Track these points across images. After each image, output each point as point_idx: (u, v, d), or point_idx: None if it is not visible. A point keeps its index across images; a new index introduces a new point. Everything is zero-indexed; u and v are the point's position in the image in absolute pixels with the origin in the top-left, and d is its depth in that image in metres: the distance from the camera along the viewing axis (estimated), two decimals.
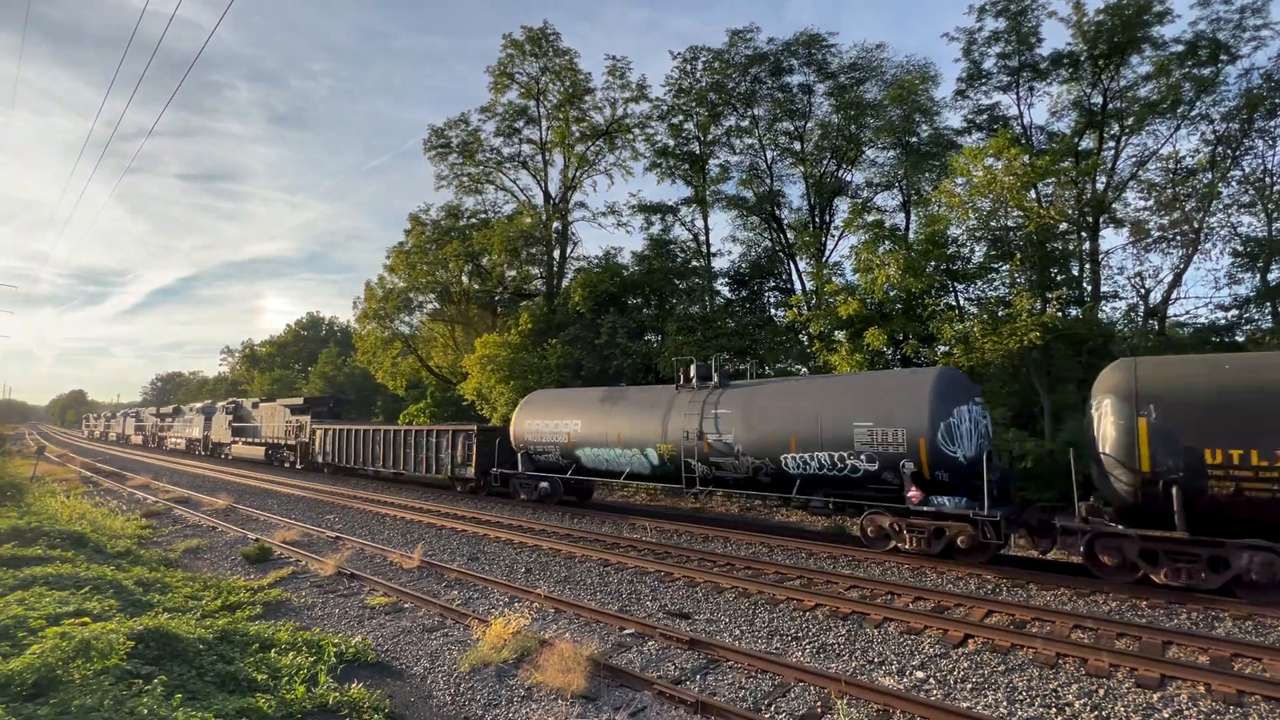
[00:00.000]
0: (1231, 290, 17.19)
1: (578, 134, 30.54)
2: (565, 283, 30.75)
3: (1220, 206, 17.19)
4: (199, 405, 45.18)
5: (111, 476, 27.96)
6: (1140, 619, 7.87)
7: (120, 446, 57.05)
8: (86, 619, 6.27)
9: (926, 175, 21.15)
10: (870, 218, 21.09)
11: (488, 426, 20.90)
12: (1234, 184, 17.21)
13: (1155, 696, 5.76)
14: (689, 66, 26.49)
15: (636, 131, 29.58)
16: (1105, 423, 9.00)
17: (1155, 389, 8.73)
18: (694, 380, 14.65)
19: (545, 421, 17.22)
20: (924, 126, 22.02)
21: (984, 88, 20.77)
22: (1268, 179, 16.86)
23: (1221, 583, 8.28)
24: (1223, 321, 17.11)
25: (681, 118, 27.57)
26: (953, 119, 22.54)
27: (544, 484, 17.42)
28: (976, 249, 18.95)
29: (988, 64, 20.29)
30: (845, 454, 11.37)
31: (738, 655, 6.69)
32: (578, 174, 31.27)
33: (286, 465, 31.50)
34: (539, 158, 31.60)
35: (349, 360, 48.43)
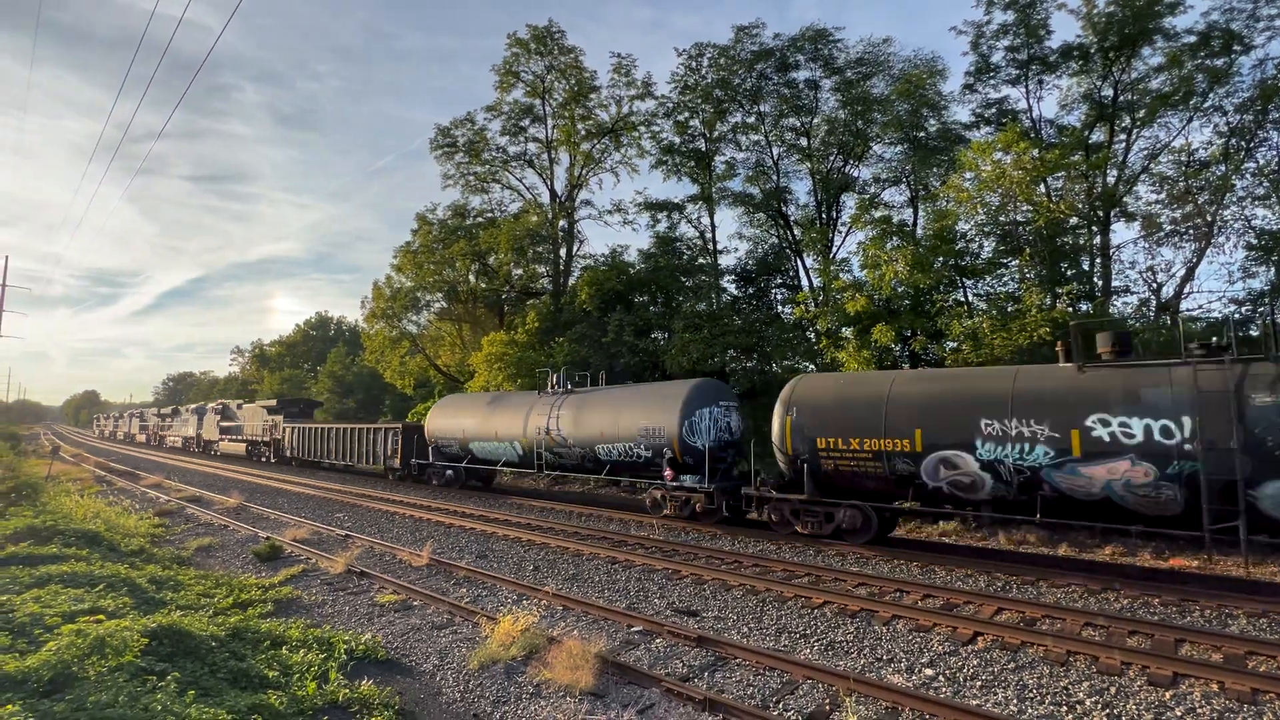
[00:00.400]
0: (1245, 284, 16.99)
1: (583, 132, 30.56)
2: (572, 281, 30.79)
3: (1234, 199, 16.97)
4: (193, 406, 48.66)
5: (125, 476, 28.27)
6: (1153, 616, 7.81)
7: (128, 445, 60.04)
8: (101, 616, 6.34)
9: (934, 170, 20.99)
10: (878, 213, 20.96)
11: (410, 424, 24.55)
12: (1248, 176, 16.98)
13: (1168, 694, 5.71)
14: (694, 63, 26.43)
15: (642, 129, 29.59)
16: (775, 421, 12.59)
17: (798, 396, 12.52)
18: (551, 388, 18.56)
19: (449, 421, 21.06)
20: (932, 121, 21.86)
21: (992, 81, 20.59)
22: None
23: (832, 529, 12.02)
24: (1237, 316, 16.90)
25: (687, 115, 27.50)
26: (961, 113, 22.48)
27: (449, 471, 21.32)
28: (985, 244, 18.82)
29: (996, 57, 20.13)
30: (632, 445, 15.29)
31: (746, 652, 6.69)
32: (583, 172, 31.29)
33: (263, 459, 34.54)
34: (545, 156, 31.66)
35: (357, 360, 48.71)
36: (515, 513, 16.51)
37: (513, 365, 24.91)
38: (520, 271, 31.96)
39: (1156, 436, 8.71)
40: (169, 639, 6.06)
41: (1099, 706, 5.55)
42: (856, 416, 11.44)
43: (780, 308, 26.26)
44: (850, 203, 24.55)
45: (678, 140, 28.05)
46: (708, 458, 13.88)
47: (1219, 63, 16.69)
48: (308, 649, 6.85)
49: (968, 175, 16.86)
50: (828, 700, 5.70)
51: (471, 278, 32.60)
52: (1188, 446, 8.46)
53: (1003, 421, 9.86)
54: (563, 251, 31.63)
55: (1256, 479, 8.10)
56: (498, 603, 8.86)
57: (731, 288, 27.70)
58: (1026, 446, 9.65)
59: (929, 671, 6.38)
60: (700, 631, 7.28)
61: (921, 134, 21.61)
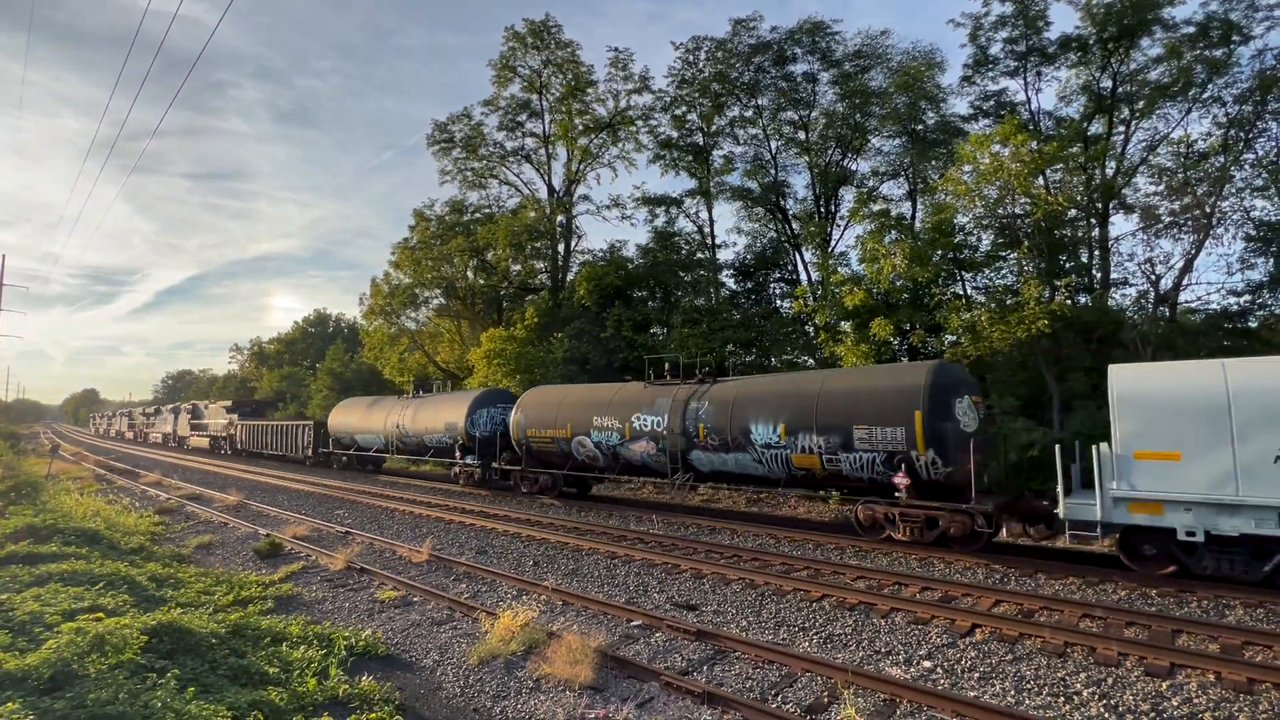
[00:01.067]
0: (1244, 275, 16.97)
1: (581, 127, 30.47)
2: (570, 276, 30.76)
3: (1233, 190, 16.93)
4: (170, 406, 56.39)
5: (125, 474, 28.29)
6: (1150, 607, 7.84)
7: (119, 442, 65.07)
8: (101, 614, 6.36)
9: (933, 163, 20.94)
10: (876, 207, 20.93)
11: (319, 421, 30.82)
12: (1247, 167, 16.94)
13: (1164, 685, 5.74)
14: (692, 57, 26.33)
15: (640, 123, 29.50)
16: (511, 419, 18.38)
17: (522, 402, 18.32)
18: (409, 394, 24.55)
19: (341, 419, 27.46)
20: (930, 114, 21.79)
21: (990, 73, 20.51)
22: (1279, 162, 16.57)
23: (537, 489, 18.17)
24: (1235, 308, 16.90)
25: (685, 109, 27.42)
26: (959, 106, 22.38)
27: (344, 457, 27.63)
28: (984, 237, 18.77)
29: (994, 49, 20.04)
30: (441, 435, 21.06)
31: (745, 646, 6.71)
32: (581, 167, 31.21)
33: (222, 451, 39.82)
34: (542, 151, 31.58)
35: (356, 357, 48.78)
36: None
37: (511, 362, 24.90)
38: (518, 267, 31.93)
39: (656, 427, 14.60)
40: (169, 636, 6.07)
41: (1096, 697, 5.58)
42: (546, 416, 17.23)
43: (779, 302, 26.26)
44: (848, 196, 24.53)
45: (675, 134, 27.97)
46: (478, 444, 19.87)
47: (1218, 53, 16.62)
48: (308, 645, 6.87)
49: (966, 168, 16.81)
50: (826, 693, 5.73)
51: (470, 274, 32.54)
52: (666, 432, 14.24)
53: (603, 418, 15.64)
54: (561, 247, 31.59)
55: (689, 449, 13.90)
56: (497, 598, 8.89)
57: (730, 282, 27.71)
58: (611, 433, 15.45)
59: (927, 664, 6.40)
60: (700, 625, 7.30)
61: (920, 127, 21.54)
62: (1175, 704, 5.41)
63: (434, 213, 32.76)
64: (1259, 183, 16.71)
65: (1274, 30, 16.36)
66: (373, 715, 5.45)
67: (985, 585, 8.78)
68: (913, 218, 21.62)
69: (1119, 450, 8.57)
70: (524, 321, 27.45)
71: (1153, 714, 5.27)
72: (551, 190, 31.68)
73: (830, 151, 24.73)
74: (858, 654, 6.71)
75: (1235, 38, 16.48)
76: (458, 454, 20.31)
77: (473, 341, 30.05)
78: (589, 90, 29.90)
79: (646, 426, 14.63)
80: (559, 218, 30.92)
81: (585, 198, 32.37)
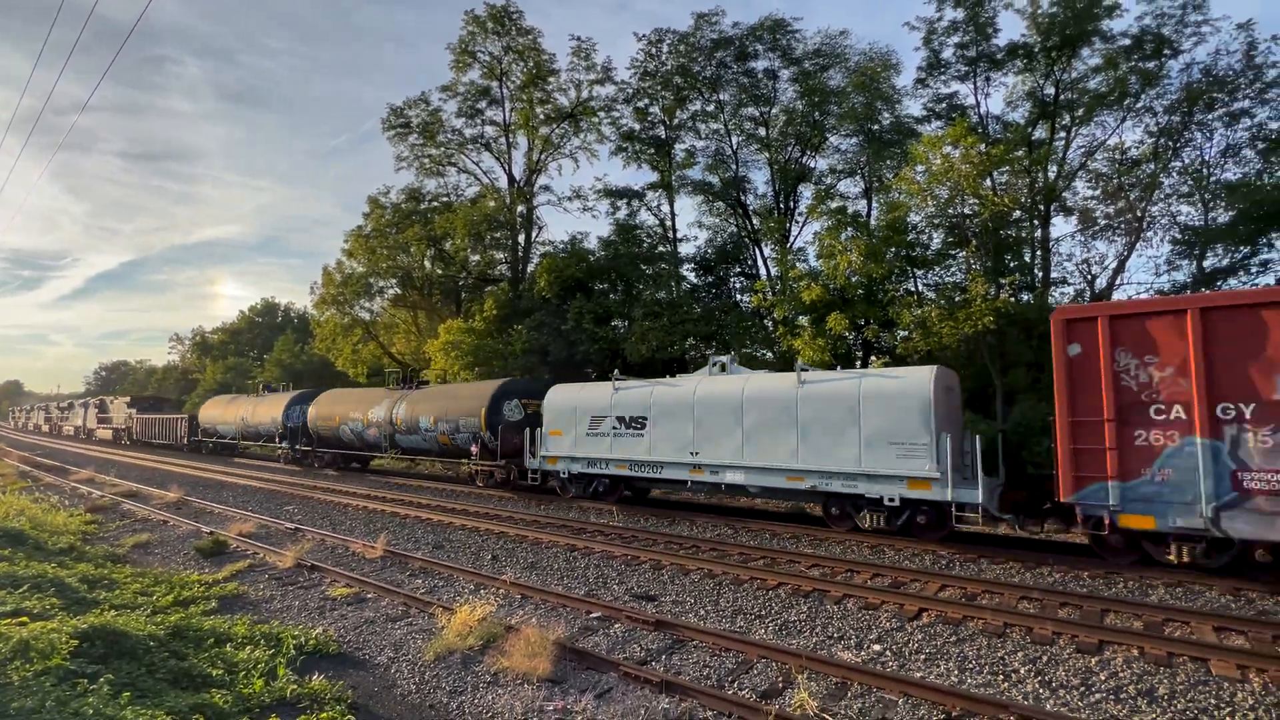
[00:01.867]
0: (1170, 277, 18.05)
1: (542, 116, 30.05)
2: (530, 268, 30.40)
3: (1161, 196, 17.97)
4: (80, 401, 60.24)
5: (53, 471, 26.65)
6: (1082, 589, 8.30)
7: (36, 435, 66.33)
8: (25, 619, 5.99)
9: (888, 163, 21.49)
10: (833, 204, 21.37)
11: (191, 414, 36.95)
12: (1174, 174, 17.99)
13: (1094, 660, 6.09)
14: (654, 49, 26.27)
15: (602, 114, 29.29)
16: (278, 411, 27.44)
17: (315, 400, 25.73)
18: (260, 392, 31.35)
19: (207, 412, 33.63)
20: (885, 114, 22.34)
21: (943, 77, 21.15)
22: (1205, 170, 17.66)
23: (323, 465, 25.63)
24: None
25: (647, 101, 27.36)
26: (913, 107, 22.96)
27: (210, 444, 33.89)
28: (935, 236, 19.41)
29: (947, 53, 20.66)
30: (273, 426, 27.40)
31: (702, 635, 6.81)
32: (542, 157, 30.83)
33: (123, 442, 43.40)
34: (502, 140, 31.05)
35: (307, 348, 47.17)
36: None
37: (470, 353, 24.49)
38: (478, 258, 31.37)
39: (379, 418, 21.64)
40: (102, 640, 5.76)
41: (1032, 674, 5.88)
42: (324, 410, 24.56)
43: (739, 296, 26.57)
44: (807, 193, 24.96)
45: (638, 127, 27.90)
46: (289, 432, 26.49)
47: (1150, 65, 17.56)
48: (254, 646, 6.63)
49: (919, 168, 17.33)
50: (781, 678, 5.86)
51: (427, 263, 31.81)
52: (384, 421, 21.44)
53: (355, 412, 22.92)
54: (521, 238, 31.17)
55: (394, 433, 21.11)
56: (455, 593, 8.76)
57: (691, 276, 27.87)
58: (358, 423, 22.72)
59: (877, 647, 6.62)
60: (658, 616, 7.37)
61: (876, 127, 22.07)
62: (1103, 678, 5.75)
63: (390, 200, 31.86)
64: (1185, 189, 17.78)
65: (1200, 45, 17.39)
66: (324, 715, 5.31)
67: (932, 571, 9.14)
68: (868, 215, 22.18)
69: (544, 432, 16.46)
70: (483, 313, 27.03)
71: (1082, 688, 5.59)
72: (512, 180, 31.21)
73: (790, 148, 25.09)
74: (812, 639, 6.89)
75: (1166, 51, 17.43)
76: (277, 439, 27.33)
77: (430, 333, 29.42)
78: (550, 79, 29.51)
79: (375, 418, 21.96)
80: (519, 208, 30.48)
81: (546, 188, 31.93)
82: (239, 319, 67.67)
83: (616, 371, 16.16)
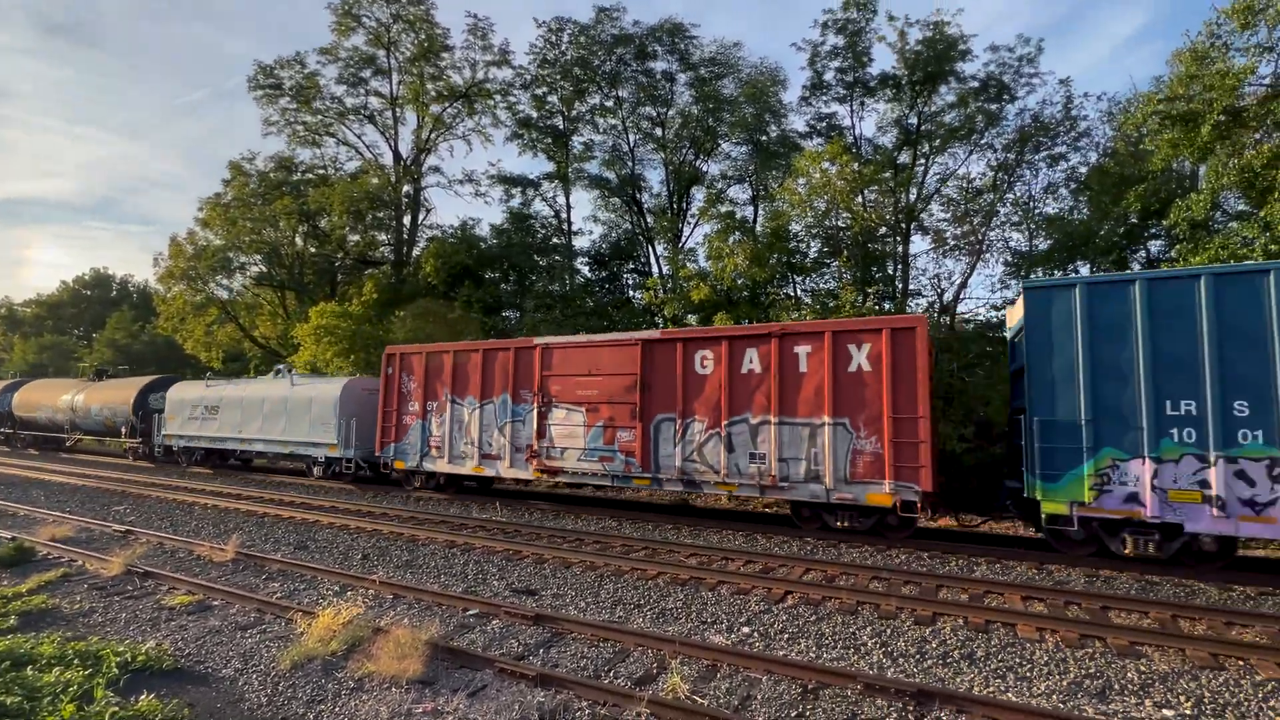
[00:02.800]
0: (1002, 294, 20.67)
1: (433, 93, 28.62)
2: (417, 252, 28.89)
3: (998, 223, 20.50)
4: None
5: None
6: (922, 568, 9.33)
7: None
8: None
9: (773, 173, 22.72)
10: (723, 208, 22.26)
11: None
12: (1008, 205, 20.59)
13: (928, 630, 6.88)
14: (555, 38, 25.87)
15: (498, 98, 28.40)
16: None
17: (22, 388, 30.96)
18: (12, 378, 34.07)
19: (32, 397, 31.61)
20: (773, 127, 23.58)
21: (824, 97, 22.65)
22: (1031, 203, 20.40)
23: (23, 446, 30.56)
24: (995, 320, 20.52)
25: (545, 90, 26.91)
26: (798, 123, 24.49)
27: (27, 436, 31.51)
28: (813, 245, 20.83)
29: (828, 76, 22.16)
30: (53, 414, 28.96)
31: (581, 626, 6.87)
32: (432, 136, 29.37)
33: None
34: (389, 114, 29.19)
35: (148, 327, 41.62)
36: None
37: (346, 339, 22.84)
38: (357, 238, 29.29)
39: (80, 403, 26.74)
40: None
41: (878, 646, 6.53)
42: (30, 400, 28.69)
43: (631, 292, 26.93)
44: (699, 196, 25.78)
45: (535, 115, 27.36)
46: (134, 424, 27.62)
47: (993, 107, 19.95)
48: (66, 666, 5.79)
49: (800, 181, 18.51)
50: (656, 664, 6.07)
51: (298, 240, 29.24)
52: (78, 405, 26.46)
53: (59, 399, 27.48)
54: (407, 219, 29.52)
55: (146, 417, 23.98)
56: (318, 596, 8.17)
57: (585, 269, 27.85)
58: (62, 410, 27.48)
59: (746, 630, 7.04)
60: (538, 610, 7.33)
61: (764, 138, 23.24)
62: (934, 645, 6.51)
63: (255, 168, 28.93)
64: (1015, 219, 20.41)
65: (1032, 95, 20.02)
66: None
67: (799, 556, 9.84)
68: (755, 221, 23.33)
69: (164, 416, 22.42)
70: (362, 297, 25.31)
71: (916, 655, 6.30)
72: (398, 157, 29.44)
73: (685, 151, 25.77)
74: (687, 626, 7.18)
75: (1005, 96, 19.88)
76: (124, 433, 26.60)
77: (300, 316, 27.07)
78: (444, 55, 28.15)
79: (65, 404, 26.98)
80: (405, 187, 28.85)
81: (436, 169, 30.52)
82: (60, 290, 58.37)
83: (209, 374, 23.25)
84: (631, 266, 27.71)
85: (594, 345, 13.14)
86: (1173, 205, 13.93)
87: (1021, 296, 9.77)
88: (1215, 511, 8.08)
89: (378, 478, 17.62)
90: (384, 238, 30.27)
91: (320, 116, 28.88)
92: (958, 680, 5.78)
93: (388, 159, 29.47)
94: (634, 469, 12.31)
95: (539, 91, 26.95)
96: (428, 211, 30.35)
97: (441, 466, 14.99)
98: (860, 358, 10.57)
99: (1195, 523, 8.23)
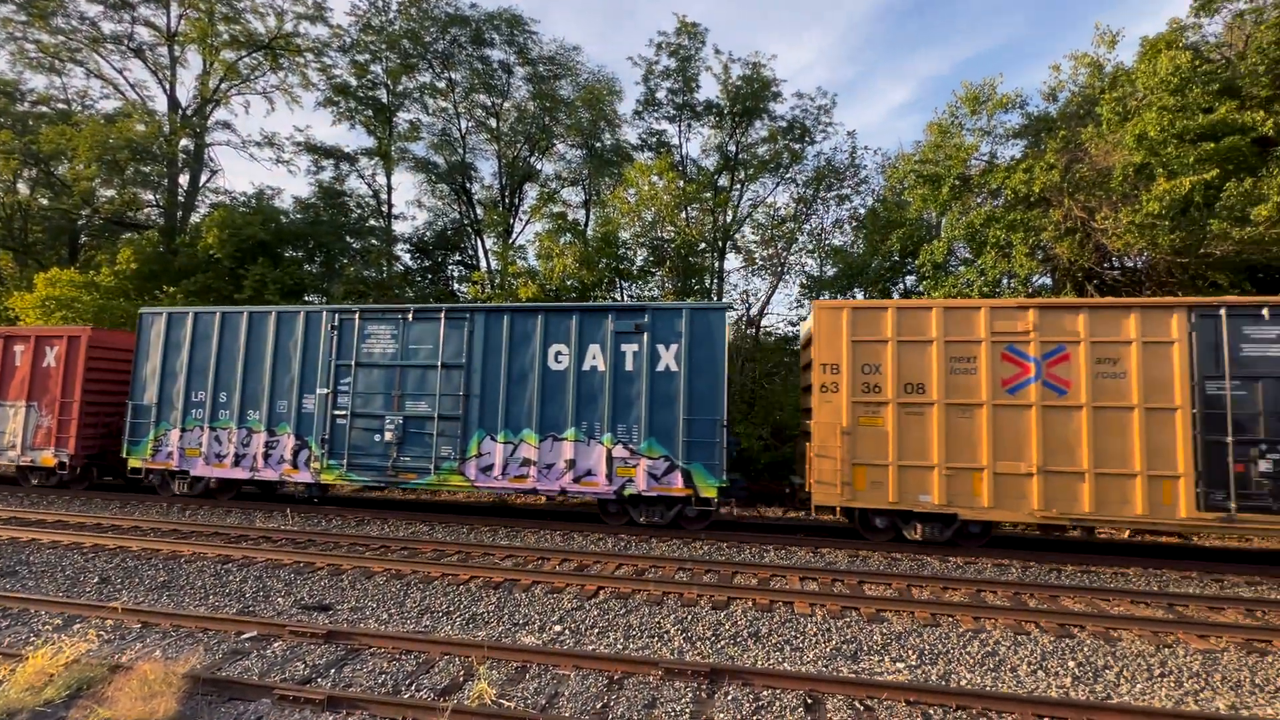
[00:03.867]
0: (797, 312, 23.48)
1: (226, 36, 24.70)
2: (196, 219, 24.66)
3: (796, 250, 23.25)
4: None
5: None
6: (721, 557, 10.23)
7: None
8: None
9: (606, 180, 23.30)
10: (555, 208, 22.30)
11: None
12: (805, 235, 23.46)
13: (722, 615, 7.57)
14: (382, 2, 23.85)
15: (309, 56, 25.38)
16: None
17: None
18: None
19: None
20: (608, 135, 24.19)
21: (656, 114, 23.79)
22: (822, 235, 23.50)
23: None
24: (791, 334, 23.24)
25: (368, 58, 24.67)
26: (630, 134, 25.29)
27: None
28: (640, 253, 21.75)
29: (660, 94, 23.32)
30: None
31: (381, 640, 6.42)
32: (222, 86, 25.35)
33: None
34: (164, 51, 24.56)
35: None
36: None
37: (91, 315, 18.70)
38: (112, 193, 24.18)
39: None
40: None
41: (679, 632, 7.03)
42: None
43: (456, 285, 25.77)
44: (532, 193, 25.52)
45: (354, 83, 24.94)
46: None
47: (797, 146, 22.60)
48: None
49: (631, 191, 19.26)
50: (463, 672, 5.89)
51: (23, 188, 23.32)
52: None
53: None
54: (185, 179, 25.10)
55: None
56: (29, 633, 6.60)
57: (406, 257, 26.01)
58: None
59: (558, 628, 7.13)
60: (331, 626, 6.70)
61: (598, 144, 23.73)
62: (727, 627, 7.19)
63: None
64: (810, 247, 23.32)
65: (826, 141, 23.06)
66: None
67: (612, 552, 10.20)
68: (586, 224, 23.71)
69: None
70: (117, 266, 20.92)
71: (713, 638, 6.90)
72: (175, 104, 24.91)
73: (520, 146, 25.33)
74: (499, 629, 7.07)
75: (806, 138, 22.63)
76: None
77: (21, 282, 21.58)
78: None
79: None
80: (184, 141, 24.48)
81: (227, 125, 26.36)
82: None
83: None
84: (458, 258, 26.52)
85: None
86: (922, 248, 16.99)
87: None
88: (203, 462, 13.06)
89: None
90: (153, 198, 25.39)
91: (65, 37, 23.35)
92: (745, 657, 6.45)
93: (162, 104, 24.87)
94: None
95: (360, 58, 24.63)
96: (213, 173, 26.15)
97: None
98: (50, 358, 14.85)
99: (195, 470, 13.06)
